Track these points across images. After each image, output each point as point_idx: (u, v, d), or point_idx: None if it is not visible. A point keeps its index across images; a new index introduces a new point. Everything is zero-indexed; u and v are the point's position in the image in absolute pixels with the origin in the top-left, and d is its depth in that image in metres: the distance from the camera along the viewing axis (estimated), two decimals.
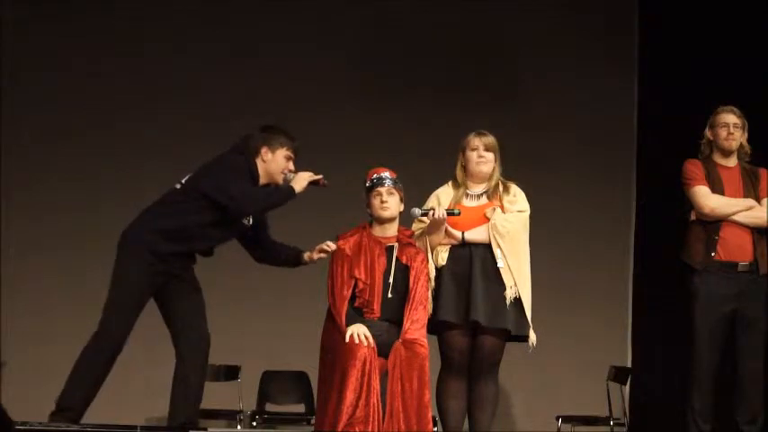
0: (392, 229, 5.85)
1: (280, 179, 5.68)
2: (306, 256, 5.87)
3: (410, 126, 8.23)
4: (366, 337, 5.57)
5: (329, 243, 5.74)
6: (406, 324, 5.68)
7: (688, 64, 8.06)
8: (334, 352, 5.64)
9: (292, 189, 5.62)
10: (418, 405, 5.57)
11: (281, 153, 5.67)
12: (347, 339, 5.56)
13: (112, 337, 5.55)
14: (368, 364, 5.52)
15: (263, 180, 5.68)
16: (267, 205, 5.65)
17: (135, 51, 8.04)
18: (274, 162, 5.66)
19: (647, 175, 8.35)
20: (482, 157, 5.98)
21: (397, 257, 5.81)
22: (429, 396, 5.66)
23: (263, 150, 5.65)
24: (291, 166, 5.70)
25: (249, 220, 5.72)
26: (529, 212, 5.99)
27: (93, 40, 8.06)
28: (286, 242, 7.96)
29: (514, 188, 6.02)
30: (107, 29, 8.06)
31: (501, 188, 5.99)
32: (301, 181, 5.64)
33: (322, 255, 5.79)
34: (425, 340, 5.70)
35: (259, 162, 5.66)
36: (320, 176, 5.71)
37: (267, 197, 5.63)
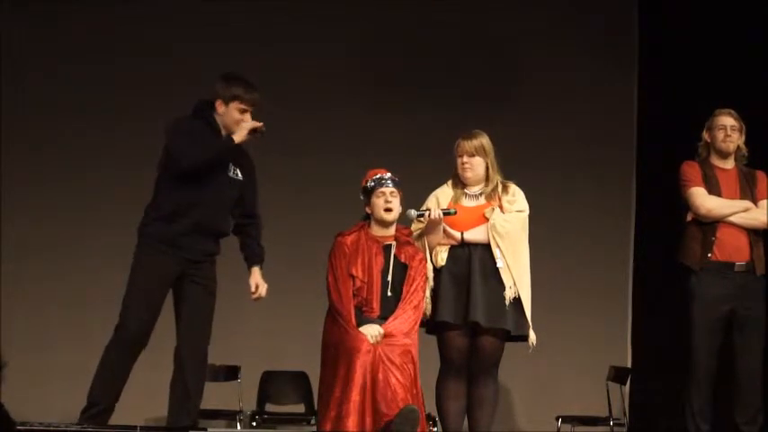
0: (391, 229, 5.87)
1: (236, 130, 5.67)
2: (252, 285, 5.82)
3: (410, 126, 8.22)
4: (377, 338, 5.62)
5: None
6: (389, 322, 5.72)
7: (688, 64, 8.06)
8: (337, 348, 5.67)
9: (231, 139, 5.62)
10: (408, 385, 5.61)
11: (234, 106, 5.66)
12: (371, 339, 5.63)
13: (128, 330, 5.57)
14: (369, 360, 5.58)
15: (224, 132, 5.67)
16: (206, 156, 5.57)
17: (135, 52, 8.04)
18: (227, 116, 5.66)
19: (647, 175, 8.35)
20: (465, 163, 5.97)
21: (395, 256, 5.83)
22: (419, 383, 5.71)
23: (218, 104, 5.67)
24: (248, 117, 5.68)
25: (237, 173, 5.71)
26: (528, 212, 5.99)
27: (93, 40, 8.05)
28: (286, 242, 8.01)
29: (513, 188, 6.02)
30: (107, 30, 8.05)
31: (500, 188, 5.99)
32: (242, 131, 5.63)
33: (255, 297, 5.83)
34: (409, 340, 5.72)
35: (216, 116, 5.68)
36: (260, 124, 5.67)
37: (205, 150, 5.58)
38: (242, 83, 5.69)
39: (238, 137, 5.62)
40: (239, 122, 5.64)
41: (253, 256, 5.83)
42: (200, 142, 5.58)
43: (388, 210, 5.82)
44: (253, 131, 5.65)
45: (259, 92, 5.69)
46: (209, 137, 5.63)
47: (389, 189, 5.83)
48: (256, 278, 5.81)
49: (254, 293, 5.82)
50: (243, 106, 5.66)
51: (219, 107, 5.66)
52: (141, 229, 5.68)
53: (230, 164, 5.69)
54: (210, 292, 5.72)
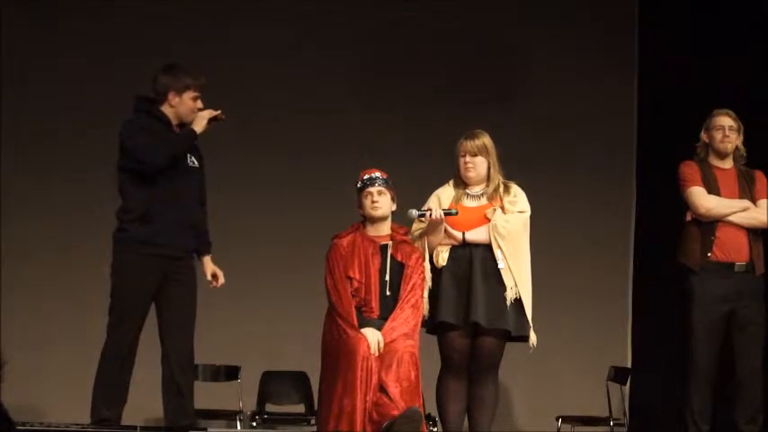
0: (385, 228, 5.86)
1: (192, 119, 5.68)
2: (209, 275, 5.81)
3: (410, 126, 8.22)
4: (378, 346, 5.62)
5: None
6: (387, 324, 5.70)
7: (688, 65, 8.06)
8: (338, 349, 5.67)
9: (194, 131, 5.65)
10: (408, 387, 5.60)
11: (188, 95, 5.68)
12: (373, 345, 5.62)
13: (121, 339, 5.58)
14: (369, 361, 5.57)
15: (175, 122, 5.69)
16: (172, 152, 5.59)
17: (135, 51, 8.03)
18: (183, 105, 5.68)
19: (647, 175, 8.35)
20: (468, 163, 5.96)
21: (392, 255, 5.82)
22: (420, 383, 5.70)
23: (171, 96, 5.67)
24: (200, 104, 5.70)
25: (194, 161, 5.71)
26: (529, 213, 5.99)
27: (93, 39, 8.05)
28: (285, 242, 8.01)
29: (515, 188, 6.01)
30: (107, 29, 8.05)
31: (501, 188, 5.98)
32: (201, 121, 5.66)
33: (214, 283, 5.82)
34: (411, 341, 5.71)
35: (166, 108, 5.67)
36: (218, 112, 5.71)
37: (170, 146, 5.60)
38: (188, 71, 5.72)
39: (198, 127, 5.65)
40: (194, 110, 5.67)
41: (205, 245, 5.81)
42: (160, 139, 5.58)
43: (375, 209, 5.81)
44: (213, 120, 5.67)
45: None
46: (164, 132, 5.63)
47: (376, 188, 5.81)
48: (212, 267, 5.80)
49: (212, 283, 5.80)
50: (196, 93, 5.69)
51: (173, 99, 5.66)
52: (117, 235, 5.64)
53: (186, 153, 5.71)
54: (193, 291, 5.71)
